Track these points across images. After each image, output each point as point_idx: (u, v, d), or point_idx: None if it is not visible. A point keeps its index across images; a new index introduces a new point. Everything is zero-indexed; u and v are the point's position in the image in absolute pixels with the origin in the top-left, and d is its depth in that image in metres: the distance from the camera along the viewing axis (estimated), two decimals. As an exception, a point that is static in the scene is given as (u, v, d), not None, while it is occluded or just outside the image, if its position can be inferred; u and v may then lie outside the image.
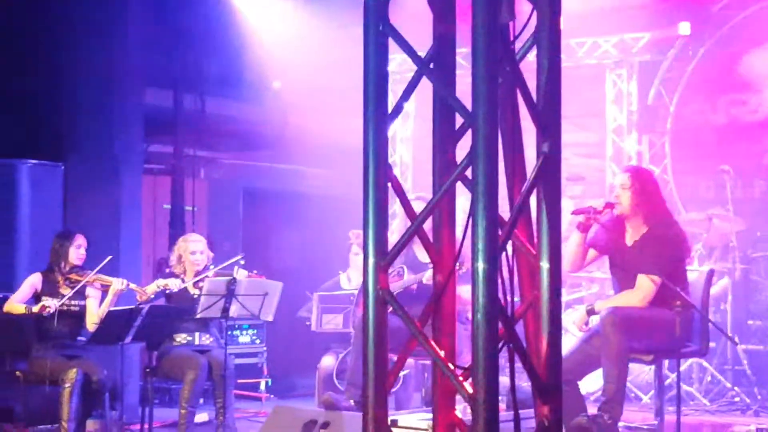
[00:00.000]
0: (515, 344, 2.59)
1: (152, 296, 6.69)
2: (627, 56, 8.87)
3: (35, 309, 6.44)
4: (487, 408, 2.46)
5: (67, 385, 6.30)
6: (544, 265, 2.80)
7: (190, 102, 9.42)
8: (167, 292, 6.77)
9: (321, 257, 10.00)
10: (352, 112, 10.25)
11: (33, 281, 6.62)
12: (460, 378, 2.63)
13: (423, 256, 6.49)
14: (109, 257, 6.66)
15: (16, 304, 6.56)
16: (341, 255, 8.49)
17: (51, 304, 6.46)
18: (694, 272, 5.77)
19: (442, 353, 2.69)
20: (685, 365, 6.97)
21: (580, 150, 9.04)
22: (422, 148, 9.14)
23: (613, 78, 8.96)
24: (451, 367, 2.66)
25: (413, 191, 7.90)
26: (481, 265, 2.47)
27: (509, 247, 2.76)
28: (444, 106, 2.76)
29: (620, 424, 5.19)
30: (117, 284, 6.54)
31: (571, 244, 5.50)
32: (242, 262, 6.84)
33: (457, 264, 2.93)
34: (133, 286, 6.59)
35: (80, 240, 6.70)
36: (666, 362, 5.70)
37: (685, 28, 8.47)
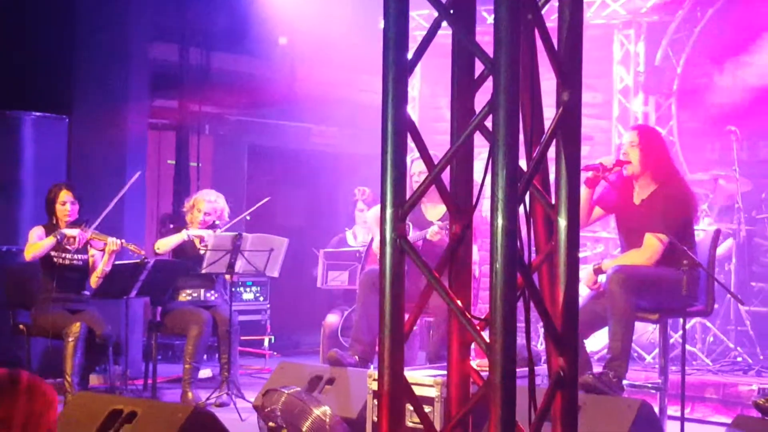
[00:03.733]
0: (532, 293, 2.59)
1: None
2: (635, 17, 8.80)
3: (67, 233, 6.37)
4: (505, 357, 2.45)
5: (70, 339, 6.30)
6: (562, 221, 2.78)
7: (195, 57, 9.36)
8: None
9: (327, 214, 10.00)
10: (360, 69, 10.29)
11: (38, 233, 6.59)
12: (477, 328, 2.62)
13: (429, 214, 6.48)
14: (138, 173, 6.55)
15: (36, 243, 6.48)
16: (347, 212, 8.48)
17: (73, 233, 6.40)
18: (700, 232, 5.77)
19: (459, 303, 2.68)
20: (688, 325, 6.98)
21: (587, 110, 8.93)
22: (427, 107, 9.19)
23: (621, 38, 8.89)
24: (468, 316, 2.65)
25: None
26: (500, 214, 2.45)
27: (526, 198, 2.74)
28: (463, 53, 2.73)
29: (624, 382, 5.20)
30: (111, 244, 6.49)
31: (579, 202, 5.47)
32: (248, 218, 6.84)
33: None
34: (127, 245, 6.53)
35: (64, 196, 6.61)
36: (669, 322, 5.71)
37: (694, -13, 8.40)
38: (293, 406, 5.08)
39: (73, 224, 6.55)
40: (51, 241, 6.44)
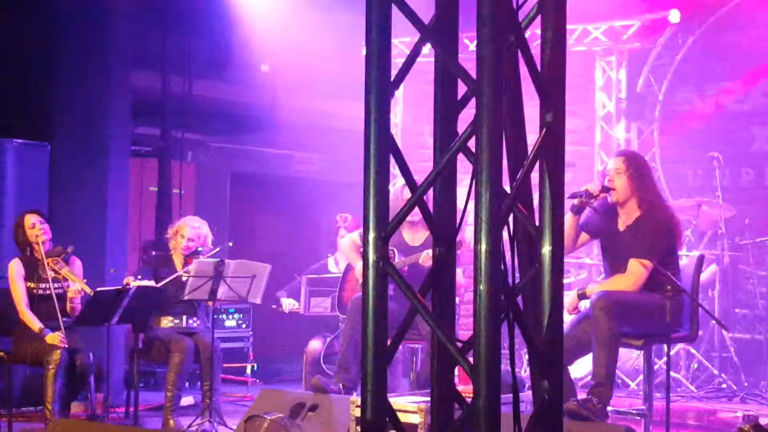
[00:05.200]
0: (516, 315, 2.56)
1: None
2: (616, 43, 8.85)
3: (48, 339, 6.31)
4: (489, 381, 2.43)
5: (51, 366, 6.22)
6: (546, 246, 2.77)
7: (178, 84, 9.36)
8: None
9: (308, 241, 9.98)
10: (342, 96, 10.29)
11: (19, 271, 6.51)
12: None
13: (411, 239, 6.48)
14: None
15: (30, 318, 6.41)
16: (329, 239, 8.47)
17: (54, 340, 6.31)
18: (684, 258, 5.77)
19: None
20: (672, 352, 6.97)
21: (569, 137, 8.84)
22: (410, 134, 9.20)
23: (603, 65, 8.95)
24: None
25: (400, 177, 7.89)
26: (484, 236, 2.44)
27: (510, 220, 2.73)
28: (446, 75, 2.73)
29: (608, 408, 5.17)
30: (73, 288, 6.42)
31: (564, 226, 5.48)
32: (230, 244, 6.80)
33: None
34: (86, 288, 6.42)
35: (29, 219, 6.54)
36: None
37: (674, 15, 8.46)
38: (275, 434, 5.02)
39: (49, 253, 6.48)
40: (36, 328, 6.38)
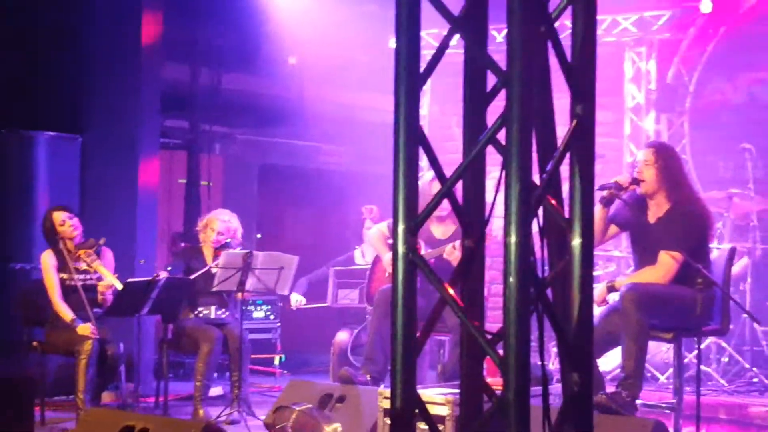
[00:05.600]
0: (545, 306, 2.56)
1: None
2: (646, 34, 8.78)
3: (79, 330, 6.37)
4: (519, 372, 2.42)
5: (82, 356, 6.29)
6: (576, 239, 2.75)
7: (206, 77, 9.40)
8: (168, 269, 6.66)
9: (336, 233, 9.99)
10: (368, 88, 10.29)
11: (51, 262, 6.57)
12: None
13: (438, 233, 6.48)
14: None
15: (63, 309, 6.48)
16: (356, 231, 8.48)
17: (85, 331, 6.36)
18: (715, 250, 5.72)
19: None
20: (703, 345, 6.92)
21: (598, 129, 8.81)
22: (437, 126, 9.18)
23: (632, 56, 8.88)
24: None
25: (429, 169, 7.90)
26: (513, 228, 2.43)
27: (540, 213, 2.72)
28: (475, 67, 2.72)
29: (637, 402, 5.15)
30: (103, 283, 6.46)
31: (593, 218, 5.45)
32: (259, 236, 6.83)
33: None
34: (117, 283, 6.47)
35: (59, 217, 6.59)
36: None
37: (705, 5, 8.37)
38: (304, 424, 5.05)
39: (81, 245, 6.53)
40: (68, 319, 6.43)
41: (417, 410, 2.71)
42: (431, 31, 8.02)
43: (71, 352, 6.37)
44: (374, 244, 7.03)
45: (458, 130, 9.02)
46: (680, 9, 8.64)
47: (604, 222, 5.46)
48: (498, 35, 7.21)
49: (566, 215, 2.77)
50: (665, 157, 5.42)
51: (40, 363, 6.63)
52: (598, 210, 5.43)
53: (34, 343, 6.65)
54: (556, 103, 2.83)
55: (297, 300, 8.08)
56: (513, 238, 2.44)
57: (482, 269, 2.85)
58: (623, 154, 8.81)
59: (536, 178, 2.68)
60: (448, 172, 3.01)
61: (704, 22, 8.70)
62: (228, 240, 7.03)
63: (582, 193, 2.75)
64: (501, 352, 2.49)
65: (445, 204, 2.84)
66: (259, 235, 7.68)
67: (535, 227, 2.63)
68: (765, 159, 8.31)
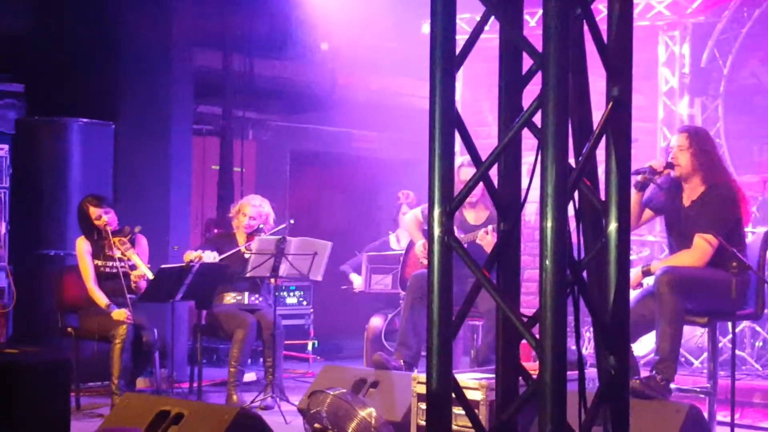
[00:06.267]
0: (581, 289, 2.55)
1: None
2: (680, 17, 8.69)
3: (114, 315, 6.43)
4: (555, 355, 2.42)
5: (117, 341, 6.34)
6: (612, 223, 2.74)
7: (238, 63, 9.41)
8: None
9: (369, 219, 10.00)
10: (402, 73, 10.24)
11: (86, 248, 6.63)
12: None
13: (472, 218, 6.48)
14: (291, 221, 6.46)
15: (98, 295, 6.55)
16: (389, 216, 8.48)
17: (121, 316, 6.41)
18: (750, 234, 5.68)
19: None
20: (737, 329, 6.88)
21: (632, 113, 8.91)
22: (469, 111, 9.15)
23: (666, 40, 8.79)
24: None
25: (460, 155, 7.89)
26: (549, 210, 2.43)
27: (575, 196, 2.71)
28: (511, 48, 2.71)
29: (672, 386, 5.12)
30: (136, 273, 6.48)
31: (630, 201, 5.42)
32: (292, 221, 6.85)
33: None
34: (148, 273, 6.51)
35: (94, 212, 6.62)
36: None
37: (740, -12, 8.29)
38: (338, 408, 5.07)
39: (116, 233, 6.59)
40: (103, 304, 6.49)
41: (453, 395, 2.72)
42: (464, 16, 7.97)
43: (106, 338, 6.43)
44: (409, 229, 7.04)
45: (491, 116, 8.99)
46: (714, -8, 8.55)
47: (639, 206, 5.43)
48: (531, 20, 7.18)
49: (602, 198, 2.76)
50: (699, 141, 5.38)
51: (75, 349, 6.69)
52: (632, 194, 5.39)
53: (69, 329, 6.72)
54: (592, 86, 2.82)
55: (360, 281, 8.02)
56: (549, 222, 2.43)
57: (518, 253, 2.85)
58: (657, 138, 8.74)
59: (572, 162, 2.67)
60: (482, 157, 3.01)
61: (738, 5, 8.60)
62: (261, 225, 7.06)
63: (618, 176, 2.75)
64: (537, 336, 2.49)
65: (476, 189, 2.84)
66: (292, 221, 7.68)
67: (571, 210, 2.63)
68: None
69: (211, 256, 6.73)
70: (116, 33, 8.02)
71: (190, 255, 6.67)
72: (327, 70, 9.93)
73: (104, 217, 6.60)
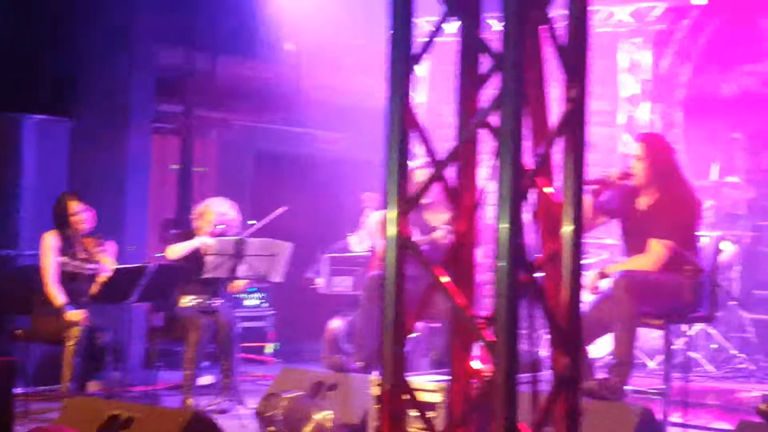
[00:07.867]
0: (535, 291, 2.56)
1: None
2: (642, 25, 8.79)
3: (68, 316, 6.33)
4: (507, 355, 2.42)
5: (70, 342, 6.23)
6: (567, 224, 2.75)
7: (201, 61, 9.30)
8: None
9: (331, 219, 9.95)
10: (366, 75, 10.18)
11: (53, 244, 6.51)
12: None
13: (433, 219, 6.48)
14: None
15: (56, 293, 6.40)
16: (352, 218, 8.45)
17: (75, 317, 6.32)
18: (704, 238, 5.74)
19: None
20: (692, 332, 6.95)
21: (592, 118, 8.92)
22: (435, 114, 9.15)
23: (627, 46, 8.87)
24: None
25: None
26: (504, 211, 2.43)
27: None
28: (469, 49, 2.71)
29: (627, 388, 5.17)
30: (105, 275, 6.42)
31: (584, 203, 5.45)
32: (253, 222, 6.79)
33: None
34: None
35: (73, 207, 6.55)
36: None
37: (700, -3, 8.39)
38: (295, 411, 5.05)
39: (89, 234, 6.51)
40: (58, 303, 6.37)
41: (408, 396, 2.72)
42: (430, 19, 7.98)
43: (58, 340, 6.28)
44: (374, 231, 7.02)
45: (451, 117, 8.99)
46: (675, 0, 8.64)
47: (593, 210, 5.47)
48: (497, 24, 7.19)
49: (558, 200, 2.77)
50: (656, 150, 5.45)
51: (24, 351, 6.53)
52: (586, 199, 5.43)
53: (18, 331, 6.54)
54: (551, 93, 2.82)
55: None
56: (504, 219, 2.43)
57: (472, 254, 2.85)
58: (617, 144, 8.82)
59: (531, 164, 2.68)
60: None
61: (698, 14, 8.71)
62: (221, 226, 6.98)
63: (574, 178, 2.75)
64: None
65: (433, 190, 2.83)
66: (253, 222, 7.63)
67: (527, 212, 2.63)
68: (754, 149, 8.34)
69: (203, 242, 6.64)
70: (75, 27, 7.86)
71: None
72: (292, 70, 9.87)
73: (82, 215, 6.52)
